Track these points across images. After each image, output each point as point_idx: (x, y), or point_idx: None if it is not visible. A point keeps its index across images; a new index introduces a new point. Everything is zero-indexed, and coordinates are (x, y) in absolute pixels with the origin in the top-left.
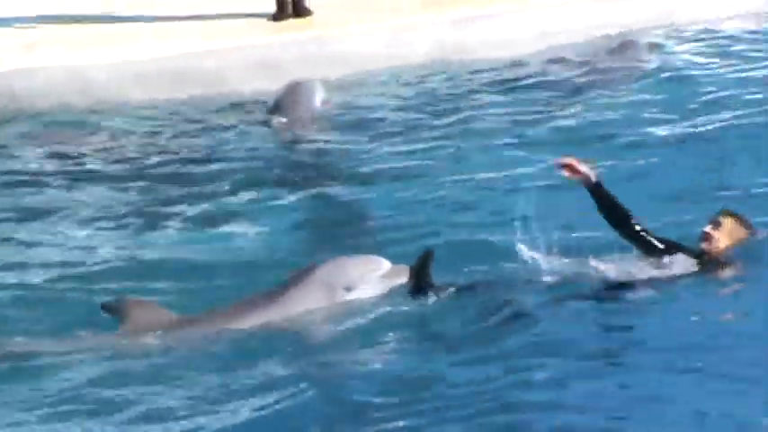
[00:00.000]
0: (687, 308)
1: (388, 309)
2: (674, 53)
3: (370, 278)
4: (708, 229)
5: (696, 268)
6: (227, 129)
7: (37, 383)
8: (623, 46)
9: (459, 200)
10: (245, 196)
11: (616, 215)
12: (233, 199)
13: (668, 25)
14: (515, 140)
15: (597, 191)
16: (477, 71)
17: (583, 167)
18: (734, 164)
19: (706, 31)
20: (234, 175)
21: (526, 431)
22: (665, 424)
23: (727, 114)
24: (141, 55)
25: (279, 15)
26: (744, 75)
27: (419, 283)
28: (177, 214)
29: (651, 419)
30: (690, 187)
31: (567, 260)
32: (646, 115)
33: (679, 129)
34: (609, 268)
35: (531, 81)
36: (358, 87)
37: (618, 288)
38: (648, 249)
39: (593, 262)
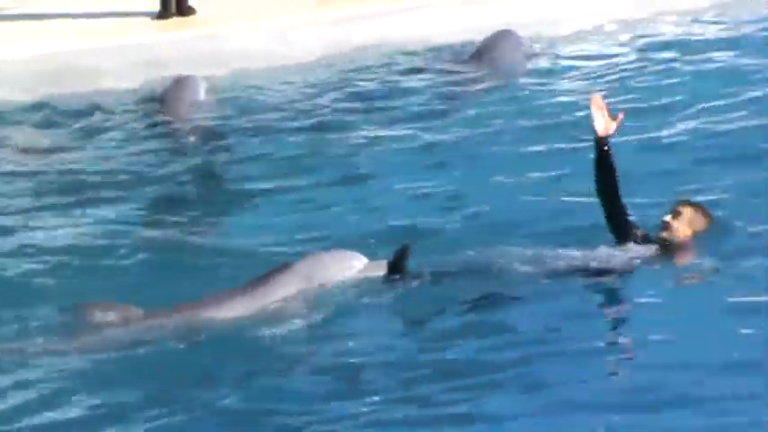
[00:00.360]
0: (647, 296)
1: (364, 303)
2: (559, 52)
3: (348, 273)
4: (667, 218)
5: (656, 256)
6: (110, 126)
7: None
8: (504, 43)
9: (345, 199)
10: (128, 193)
11: (608, 180)
12: (114, 196)
13: (556, 23)
14: (402, 141)
15: (605, 147)
16: (363, 70)
17: (608, 116)
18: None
19: (591, 31)
20: (117, 172)
21: (494, 414)
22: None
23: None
24: (24, 53)
25: (163, 14)
26: (620, 74)
27: (395, 277)
28: (56, 212)
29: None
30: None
31: (532, 249)
32: (529, 111)
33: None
34: (574, 257)
35: (419, 80)
36: (242, 86)
37: (582, 276)
38: (620, 227)
39: (558, 250)
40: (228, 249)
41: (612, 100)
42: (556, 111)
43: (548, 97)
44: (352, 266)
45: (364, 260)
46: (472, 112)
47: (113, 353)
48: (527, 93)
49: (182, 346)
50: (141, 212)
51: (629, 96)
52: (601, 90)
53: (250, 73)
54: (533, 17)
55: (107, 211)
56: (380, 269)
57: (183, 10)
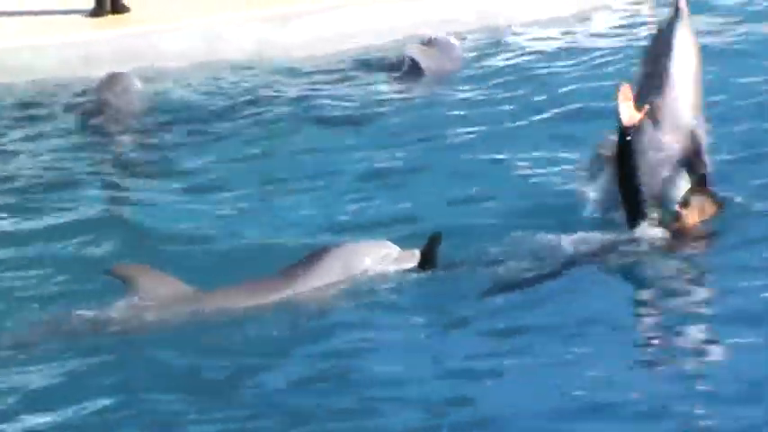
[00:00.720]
0: (657, 282)
1: (399, 291)
2: (487, 54)
3: (383, 262)
4: (678, 208)
5: (667, 242)
6: (45, 124)
7: (40, 361)
8: (433, 47)
9: (267, 200)
10: (61, 191)
11: (630, 167)
12: (48, 194)
13: (482, 25)
14: (327, 140)
15: (628, 137)
16: (295, 69)
17: (634, 106)
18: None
19: (521, 32)
20: (51, 169)
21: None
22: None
23: (542, 114)
24: None
25: (97, 11)
26: (551, 72)
27: (427, 266)
28: None
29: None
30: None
31: (538, 236)
32: (460, 113)
33: (493, 128)
34: (586, 243)
35: (349, 79)
36: (177, 83)
37: (594, 263)
38: (634, 210)
39: (571, 238)
40: (170, 241)
41: (539, 93)
42: (487, 116)
43: (477, 103)
44: (387, 254)
45: (397, 249)
46: (402, 117)
47: (159, 329)
48: (457, 96)
49: (218, 332)
50: (77, 210)
51: (565, 99)
52: (528, 97)
53: (184, 71)
54: (468, 16)
55: (43, 210)
56: (413, 258)
57: (118, 7)
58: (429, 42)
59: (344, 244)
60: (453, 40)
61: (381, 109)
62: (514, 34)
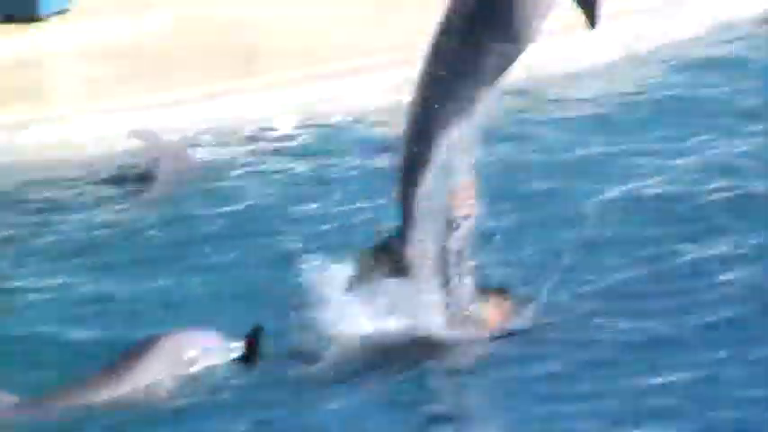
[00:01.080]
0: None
1: (227, 380)
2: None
3: (210, 351)
4: (475, 313)
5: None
6: None
7: None
8: (166, 159)
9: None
10: None
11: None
12: None
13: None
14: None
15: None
16: (33, 179)
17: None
18: None
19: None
20: None
21: None
22: None
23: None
24: None
25: None
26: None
27: (251, 355)
28: None
29: None
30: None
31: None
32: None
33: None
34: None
35: (88, 191)
36: None
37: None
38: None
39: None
40: None
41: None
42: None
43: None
44: (213, 343)
45: (222, 337)
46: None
47: None
48: (189, 208)
49: None
50: None
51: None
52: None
53: None
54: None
55: None
56: (238, 347)
57: None
58: (166, 150)
59: (174, 332)
60: (187, 148)
61: (120, 228)
62: (268, 137)
